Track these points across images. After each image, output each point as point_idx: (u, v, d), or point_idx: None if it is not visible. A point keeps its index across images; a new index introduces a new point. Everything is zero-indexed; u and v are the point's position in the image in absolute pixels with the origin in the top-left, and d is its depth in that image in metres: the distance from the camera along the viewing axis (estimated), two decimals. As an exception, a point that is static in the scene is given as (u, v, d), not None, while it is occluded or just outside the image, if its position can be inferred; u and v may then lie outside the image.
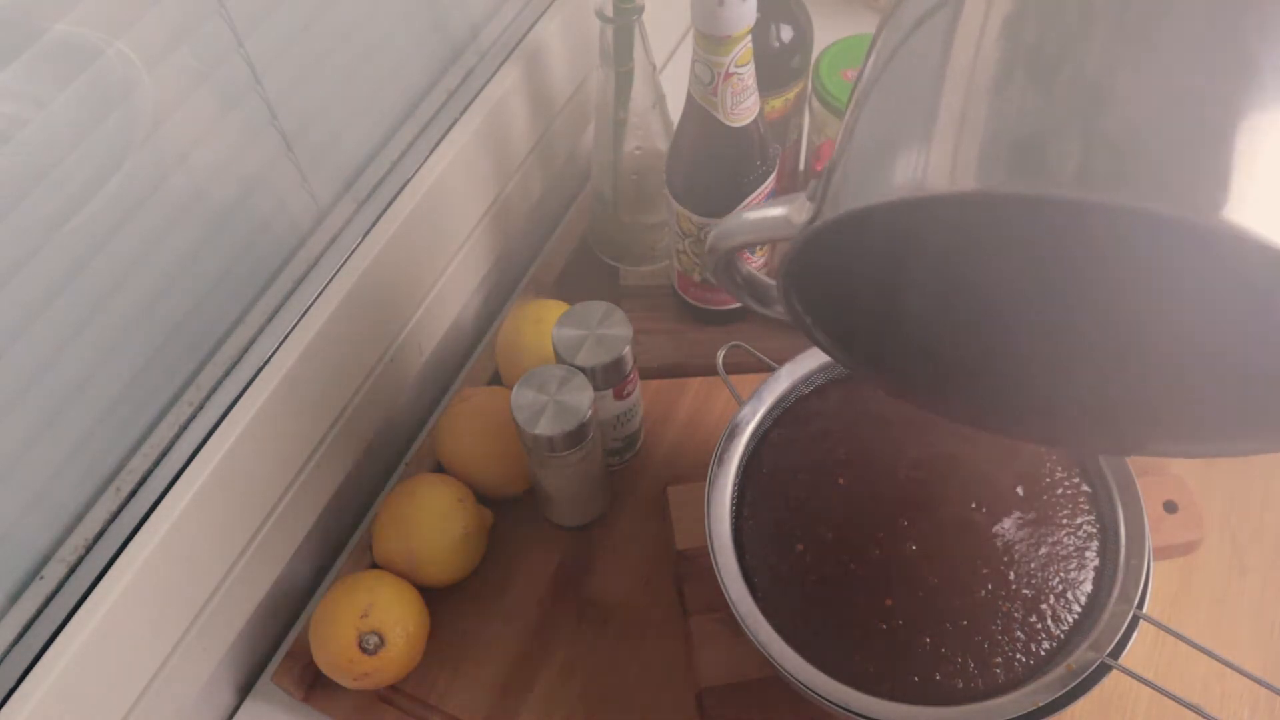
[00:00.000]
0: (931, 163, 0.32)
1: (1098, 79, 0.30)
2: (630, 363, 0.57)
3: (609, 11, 0.58)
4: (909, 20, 0.35)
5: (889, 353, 0.47)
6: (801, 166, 0.74)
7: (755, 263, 0.65)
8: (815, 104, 0.66)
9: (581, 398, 0.54)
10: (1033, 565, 0.50)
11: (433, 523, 0.58)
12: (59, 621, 0.46)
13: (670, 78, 0.64)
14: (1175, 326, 0.40)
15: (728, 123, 0.55)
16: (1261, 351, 0.38)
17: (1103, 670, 0.47)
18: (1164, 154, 0.28)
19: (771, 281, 0.48)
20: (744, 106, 0.55)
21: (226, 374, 0.52)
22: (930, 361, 0.47)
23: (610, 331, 0.56)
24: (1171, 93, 0.29)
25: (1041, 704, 0.46)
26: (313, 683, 0.58)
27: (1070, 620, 0.49)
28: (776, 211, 0.40)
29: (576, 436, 0.54)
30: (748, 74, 0.53)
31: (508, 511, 0.62)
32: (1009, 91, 0.31)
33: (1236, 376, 0.39)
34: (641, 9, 0.58)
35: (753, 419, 0.55)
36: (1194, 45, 0.29)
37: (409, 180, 0.59)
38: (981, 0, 0.33)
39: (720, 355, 0.57)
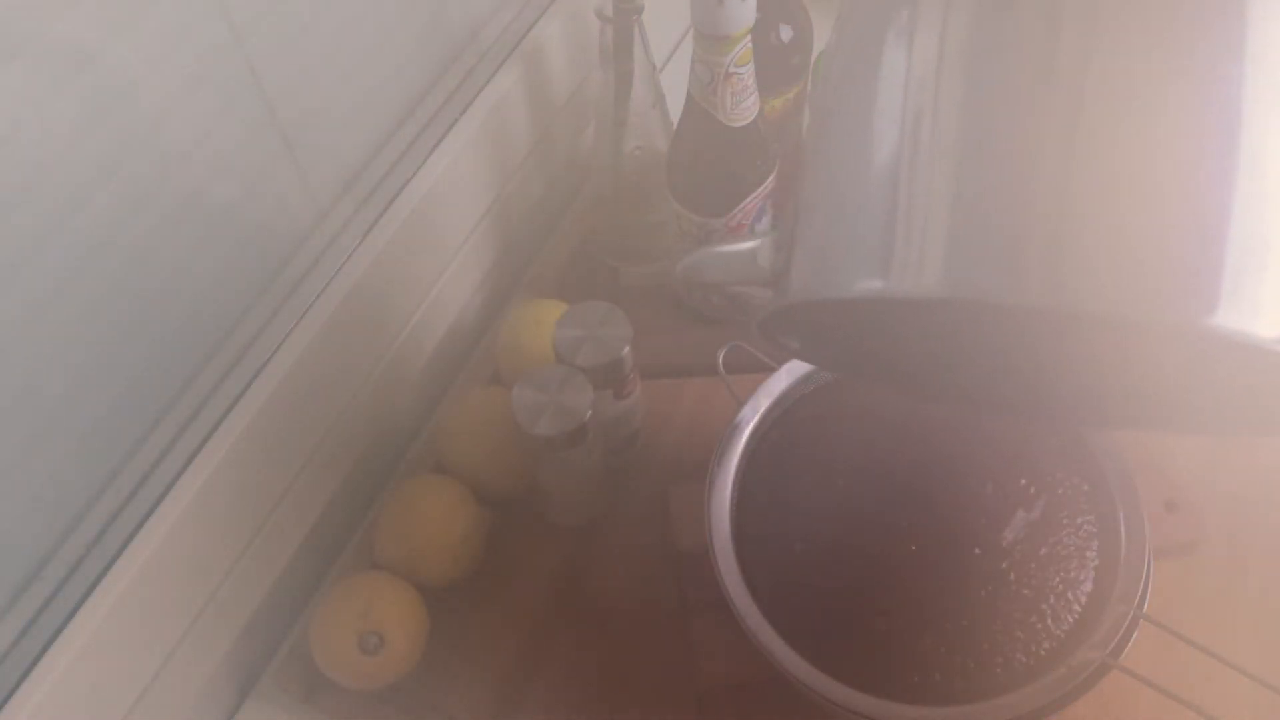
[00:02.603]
0: (899, 260, 0.31)
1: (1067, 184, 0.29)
2: (630, 363, 0.57)
3: (609, 11, 0.58)
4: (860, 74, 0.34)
5: (872, 370, 0.48)
6: (801, 166, 0.73)
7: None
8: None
9: (581, 398, 0.54)
10: (1033, 565, 0.50)
11: (433, 523, 0.58)
12: (59, 622, 0.46)
13: (670, 78, 0.64)
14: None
15: (728, 123, 0.55)
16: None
17: (1103, 670, 0.47)
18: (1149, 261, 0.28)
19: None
20: (744, 106, 0.55)
21: (226, 374, 0.52)
22: (913, 376, 0.47)
23: (610, 331, 0.56)
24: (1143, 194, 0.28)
25: (1041, 704, 0.46)
26: (313, 683, 0.58)
27: (1070, 620, 0.49)
28: (745, 247, 0.40)
29: (576, 436, 0.54)
30: (748, 74, 0.53)
31: (508, 511, 0.62)
32: (977, 193, 0.30)
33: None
34: (641, 9, 0.58)
35: (753, 419, 0.55)
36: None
37: (409, 180, 0.59)
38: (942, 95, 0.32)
39: (720, 355, 0.56)
